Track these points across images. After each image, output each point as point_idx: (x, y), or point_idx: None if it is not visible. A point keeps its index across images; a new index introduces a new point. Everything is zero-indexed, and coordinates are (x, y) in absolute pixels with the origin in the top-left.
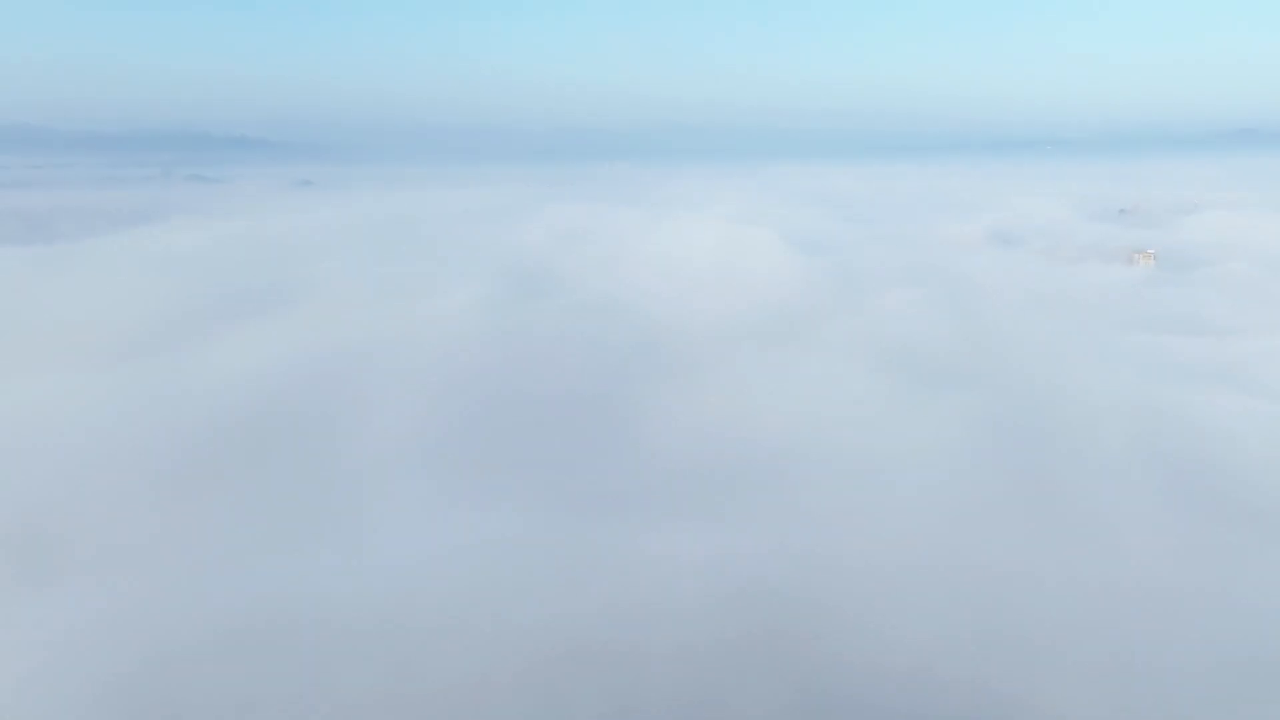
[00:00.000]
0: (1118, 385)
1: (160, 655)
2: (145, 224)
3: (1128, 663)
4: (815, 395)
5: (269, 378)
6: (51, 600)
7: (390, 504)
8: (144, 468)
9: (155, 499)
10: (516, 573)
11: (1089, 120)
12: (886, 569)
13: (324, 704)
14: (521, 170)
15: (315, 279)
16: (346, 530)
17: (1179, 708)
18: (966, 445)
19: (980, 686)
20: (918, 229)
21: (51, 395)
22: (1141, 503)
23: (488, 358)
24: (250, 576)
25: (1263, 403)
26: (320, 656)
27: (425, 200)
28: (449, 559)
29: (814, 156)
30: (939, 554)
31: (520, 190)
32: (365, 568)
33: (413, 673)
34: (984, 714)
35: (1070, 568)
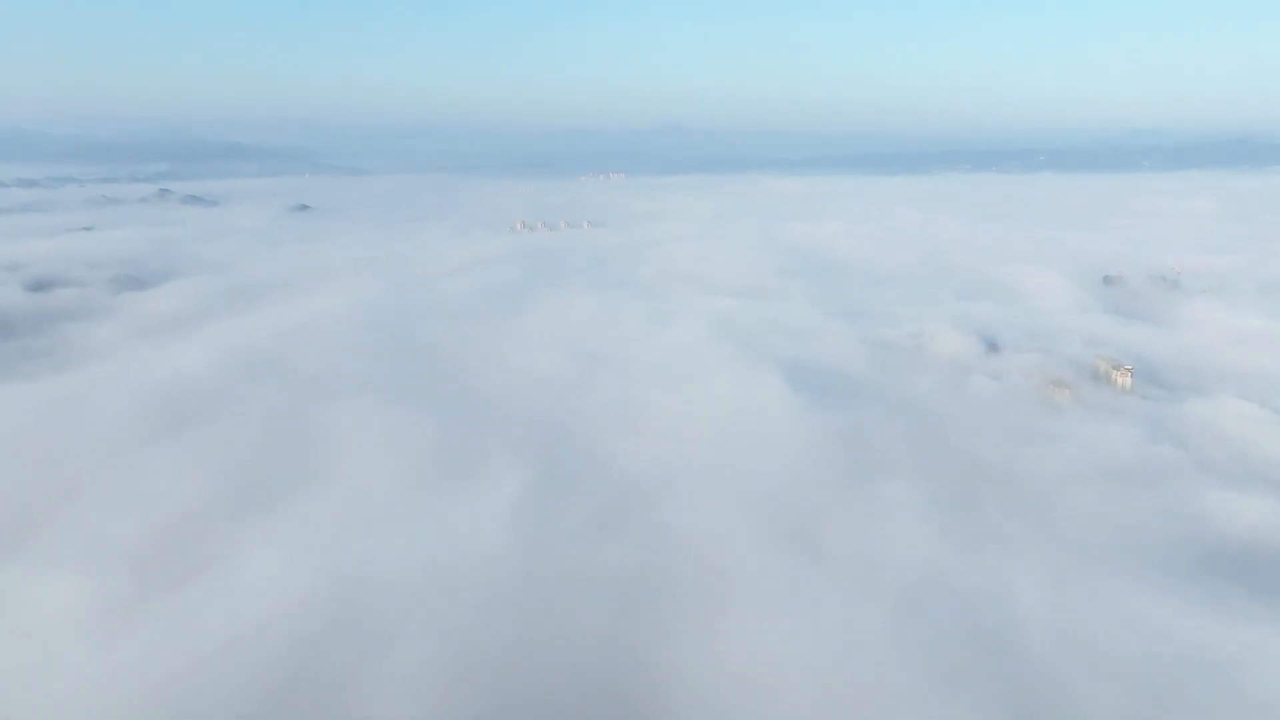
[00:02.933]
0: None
1: None
2: (144, 289)
3: None
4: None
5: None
6: None
7: None
8: None
9: None
10: None
11: (1083, 128)
12: None
13: None
14: (515, 186)
15: (316, 444)
16: None
17: None
18: None
19: None
20: (912, 331)
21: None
22: None
23: (507, 601)
24: None
25: None
26: None
27: (421, 253)
28: None
29: (810, 168)
30: None
31: (513, 244)
32: None
33: None
34: None
35: None
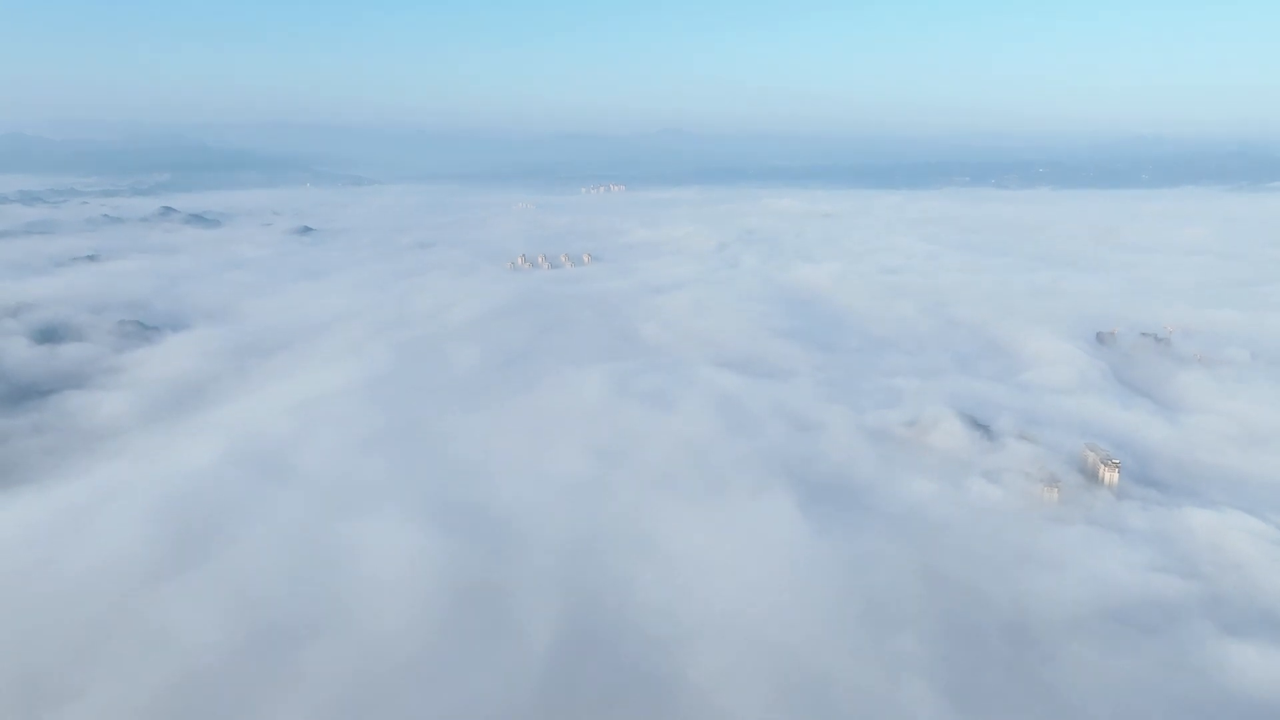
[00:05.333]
0: None
1: None
2: (150, 343)
3: None
4: None
5: None
6: None
7: None
8: None
9: None
10: None
11: (1082, 134)
12: None
13: None
14: (515, 200)
15: (331, 578)
16: None
17: None
18: None
19: None
20: (910, 418)
21: None
22: None
23: None
24: None
25: None
26: None
27: (424, 300)
28: None
29: (808, 179)
30: None
31: (516, 287)
32: None
33: None
34: None
35: None
